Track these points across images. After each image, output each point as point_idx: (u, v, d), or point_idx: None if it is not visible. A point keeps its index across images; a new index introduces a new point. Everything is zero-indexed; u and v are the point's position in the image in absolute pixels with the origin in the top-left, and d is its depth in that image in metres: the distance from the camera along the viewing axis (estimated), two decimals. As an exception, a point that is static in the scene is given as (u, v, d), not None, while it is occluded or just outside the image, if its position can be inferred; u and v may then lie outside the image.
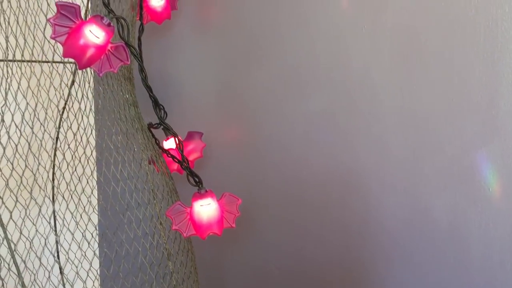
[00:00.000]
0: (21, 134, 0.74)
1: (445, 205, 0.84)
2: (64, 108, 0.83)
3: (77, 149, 0.79)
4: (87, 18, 0.61)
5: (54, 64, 0.76)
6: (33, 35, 0.71)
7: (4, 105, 0.74)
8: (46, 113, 0.80)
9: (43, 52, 0.74)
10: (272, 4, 0.92)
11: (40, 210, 0.76)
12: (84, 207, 0.84)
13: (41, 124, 0.78)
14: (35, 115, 0.77)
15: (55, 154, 0.85)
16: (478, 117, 0.80)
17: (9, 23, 0.68)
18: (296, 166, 0.94)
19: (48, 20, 0.60)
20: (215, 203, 0.72)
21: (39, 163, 0.80)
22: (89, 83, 0.79)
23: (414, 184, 0.86)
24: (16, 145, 0.73)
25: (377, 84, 0.86)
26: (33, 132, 0.77)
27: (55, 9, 0.60)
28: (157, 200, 0.74)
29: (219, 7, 0.98)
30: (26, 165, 0.76)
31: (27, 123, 0.77)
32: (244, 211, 0.74)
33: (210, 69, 1.00)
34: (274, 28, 0.93)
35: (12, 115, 0.74)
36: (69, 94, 0.80)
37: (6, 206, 0.64)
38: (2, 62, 0.70)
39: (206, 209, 0.71)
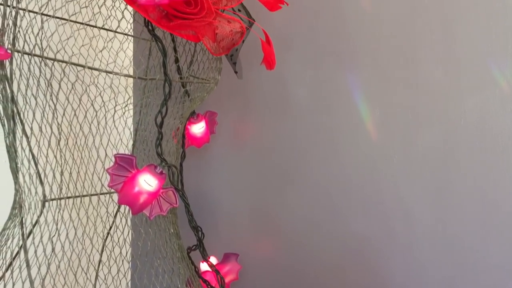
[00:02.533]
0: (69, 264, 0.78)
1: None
2: (108, 234, 0.86)
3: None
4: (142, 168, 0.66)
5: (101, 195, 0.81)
6: (84, 173, 0.76)
7: (55, 234, 0.78)
8: (91, 240, 0.84)
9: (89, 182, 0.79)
10: (306, 130, 0.97)
11: None
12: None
13: (85, 250, 0.82)
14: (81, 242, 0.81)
15: (96, 278, 0.88)
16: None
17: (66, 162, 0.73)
18: (332, 286, 0.95)
19: (106, 170, 0.65)
20: None
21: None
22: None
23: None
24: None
25: (411, 208, 0.88)
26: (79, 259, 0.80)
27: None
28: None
29: (255, 130, 1.03)
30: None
31: (74, 249, 0.81)
32: None
33: (244, 189, 1.04)
34: (306, 153, 0.97)
35: (62, 245, 0.78)
36: (114, 222, 0.84)
37: None
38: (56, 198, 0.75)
39: None
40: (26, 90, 0.60)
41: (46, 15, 0.75)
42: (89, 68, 0.60)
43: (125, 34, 0.92)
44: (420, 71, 0.87)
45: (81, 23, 0.83)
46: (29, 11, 0.69)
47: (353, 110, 0.92)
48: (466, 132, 0.84)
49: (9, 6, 0.66)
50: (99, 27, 0.85)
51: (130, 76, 0.62)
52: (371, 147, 0.91)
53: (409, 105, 0.88)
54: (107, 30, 0.88)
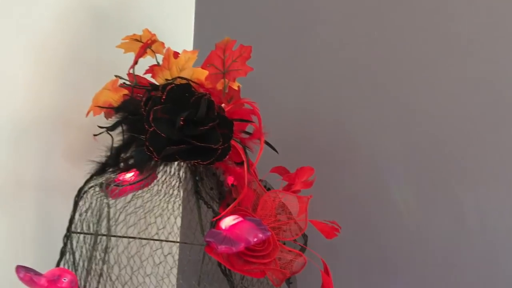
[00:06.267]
0: None
1: None
2: None
3: None
4: None
5: None
6: None
7: None
8: None
9: None
10: None
11: None
12: None
13: None
14: None
15: None
16: None
17: None
18: None
19: None
20: None
21: None
22: None
23: None
24: None
25: None
26: None
27: None
28: None
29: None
30: None
31: None
32: None
33: None
34: None
35: None
36: None
37: None
38: None
39: None
40: None
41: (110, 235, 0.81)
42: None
43: (179, 242, 0.97)
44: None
45: (144, 239, 0.89)
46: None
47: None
48: None
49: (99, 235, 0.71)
50: (153, 239, 0.91)
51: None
52: None
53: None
54: (159, 240, 0.93)
